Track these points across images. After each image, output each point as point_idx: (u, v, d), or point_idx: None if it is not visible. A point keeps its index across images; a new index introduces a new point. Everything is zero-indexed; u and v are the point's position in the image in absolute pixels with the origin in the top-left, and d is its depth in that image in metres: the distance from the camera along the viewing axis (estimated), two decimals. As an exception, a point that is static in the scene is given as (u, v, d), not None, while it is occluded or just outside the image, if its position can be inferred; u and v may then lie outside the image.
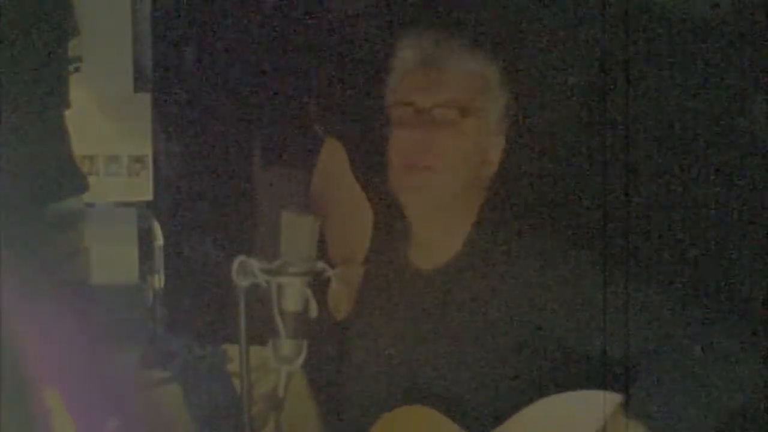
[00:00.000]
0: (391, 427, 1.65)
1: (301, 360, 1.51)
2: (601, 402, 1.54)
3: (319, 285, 1.54)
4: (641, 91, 3.20)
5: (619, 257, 1.70)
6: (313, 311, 1.51)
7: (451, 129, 1.69)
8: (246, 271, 1.49)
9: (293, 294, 1.50)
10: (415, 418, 1.64)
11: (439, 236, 1.74)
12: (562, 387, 1.56)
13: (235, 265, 1.49)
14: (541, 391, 1.56)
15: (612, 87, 3.50)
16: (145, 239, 2.78)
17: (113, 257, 2.77)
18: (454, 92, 1.70)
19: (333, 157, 1.69)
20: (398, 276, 1.76)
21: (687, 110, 3.08)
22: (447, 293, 1.72)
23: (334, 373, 1.87)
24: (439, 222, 1.74)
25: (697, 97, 3.06)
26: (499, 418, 1.58)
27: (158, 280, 2.67)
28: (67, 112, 2.42)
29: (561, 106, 3.93)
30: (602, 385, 1.55)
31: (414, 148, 1.68)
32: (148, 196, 2.75)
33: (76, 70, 2.57)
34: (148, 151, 2.74)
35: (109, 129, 2.70)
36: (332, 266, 1.55)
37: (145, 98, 2.78)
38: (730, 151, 3.06)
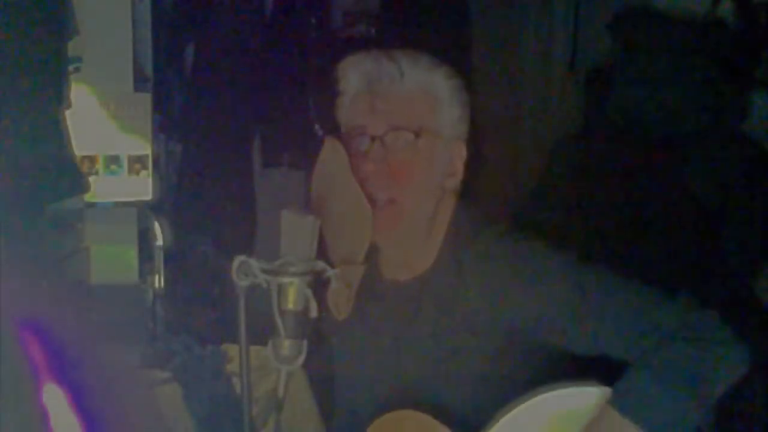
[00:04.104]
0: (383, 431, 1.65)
1: (301, 360, 1.51)
2: (592, 396, 1.55)
3: (319, 285, 1.54)
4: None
5: (596, 253, 1.70)
6: (313, 311, 1.51)
7: (408, 153, 1.68)
8: (246, 271, 1.49)
9: (293, 294, 1.50)
10: (406, 422, 1.64)
11: (412, 254, 1.75)
12: (546, 386, 1.56)
13: (235, 265, 1.49)
14: (527, 391, 1.56)
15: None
16: (145, 239, 2.78)
17: (113, 257, 2.77)
18: (405, 114, 1.68)
19: (333, 157, 1.69)
20: (374, 288, 1.76)
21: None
22: (426, 298, 1.72)
23: (332, 373, 1.88)
24: (410, 244, 1.73)
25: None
26: (487, 420, 1.58)
27: (158, 280, 2.67)
28: (67, 112, 2.42)
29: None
30: (588, 383, 1.56)
31: (373, 180, 1.67)
32: (148, 196, 2.75)
33: (76, 70, 2.57)
34: (148, 151, 2.74)
35: (109, 129, 2.71)
36: (332, 266, 1.54)
37: (145, 98, 2.78)
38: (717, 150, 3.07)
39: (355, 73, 1.71)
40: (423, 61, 1.71)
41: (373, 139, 1.67)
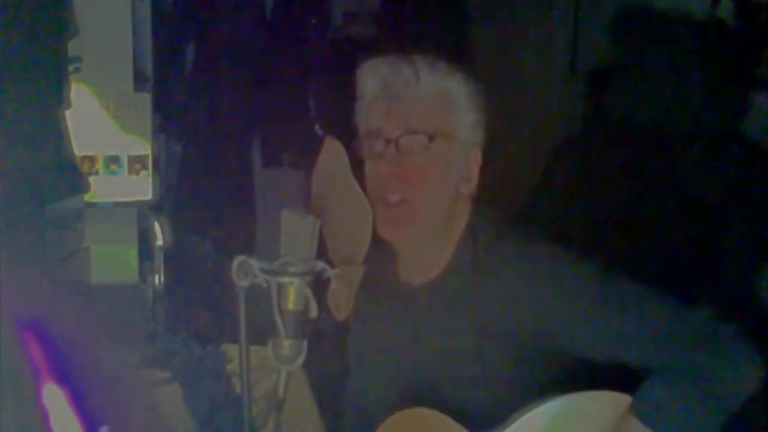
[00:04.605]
0: (395, 429, 1.65)
1: (301, 360, 1.51)
2: (611, 402, 1.55)
3: (319, 285, 1.54)
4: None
5: (595, 253, 1.70)
6: (313, 311, 1.51)
7: (421, 156, 1.68)
8: (246, 271, 1.49)
9: (293, 294, 1.50)
10: (419, 420, 1.64)
11: (427, 256, 1.75)
12: (561, 389, 1.56)
13: (235, 265, 1.49)
14: (542, 394, 1.56)
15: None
16: (145, 239, 2.79)
17: (113, 257, 2.78)
18: (420, 118, 1.69)
19: (333, 157, 1.69)
20: (389, 290, 1.77)
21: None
22: (441, 302, 1.72)
23: (334, 373, 1.88)
24: (424, 246, 1.74)
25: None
26: (503, 422, 1.58)
27: (158, 280, 2.67)
28: (67, 112, 2.42)
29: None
30: (605, 387, 1.55)
31: (387, 182, 1.68)
32: (148, 196, 2.76)
33: (76, 70, 2.58)
34: (148, 151, 2.75)
35: (109, 129, 2.71)
36: (332, 266, 1.54)
37: (145, 98, 2.79)
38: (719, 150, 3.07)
39: (372, 78, 1.73)
40: (440, 67, 1.72)
41: (387, 141, 1.68)
